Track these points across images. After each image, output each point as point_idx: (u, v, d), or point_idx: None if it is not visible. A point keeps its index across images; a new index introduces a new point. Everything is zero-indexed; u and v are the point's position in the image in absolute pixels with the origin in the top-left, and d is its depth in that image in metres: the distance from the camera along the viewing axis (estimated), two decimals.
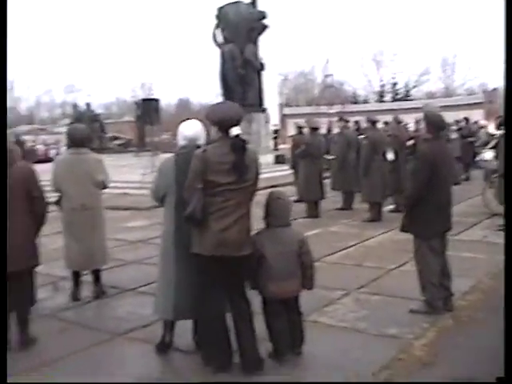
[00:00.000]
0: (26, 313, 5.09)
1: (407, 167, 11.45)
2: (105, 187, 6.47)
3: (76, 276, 6.45)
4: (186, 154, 4.56)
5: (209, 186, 4.13)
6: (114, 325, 5.49)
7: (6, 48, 4.76)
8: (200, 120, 4.92)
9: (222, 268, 4.26)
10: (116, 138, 41.01)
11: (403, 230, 5.66)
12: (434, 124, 5.44)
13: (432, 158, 5.30)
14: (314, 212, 11.55)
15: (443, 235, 5.58)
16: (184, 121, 4.89)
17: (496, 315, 5.33)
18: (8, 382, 3.66)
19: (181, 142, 4.71)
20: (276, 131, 37.39)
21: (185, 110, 61.76)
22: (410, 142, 11.89)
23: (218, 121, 4.26)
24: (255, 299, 4.51)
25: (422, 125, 5.63)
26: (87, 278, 6.55)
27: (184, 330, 4.83)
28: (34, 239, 5.12)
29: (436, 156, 5.32)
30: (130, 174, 17.24)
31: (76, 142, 6.39)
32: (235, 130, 4.23)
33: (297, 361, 4.50)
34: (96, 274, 6.50)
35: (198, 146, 4.58)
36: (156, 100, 20.87)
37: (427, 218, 5.35)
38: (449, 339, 4.89)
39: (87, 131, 6.96)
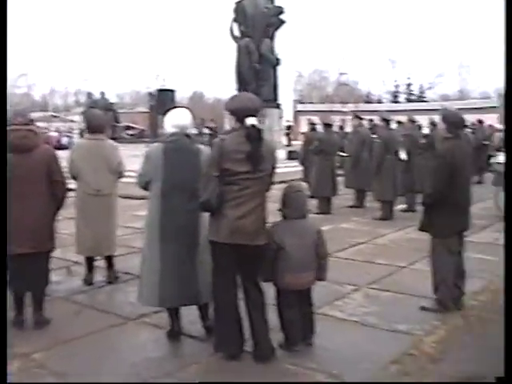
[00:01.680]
0: (41, 294, 5.17)
1: (423, 166, 11.51)
2: (121, 174, 6.52)
3: (89, 261, 6.52)
4: (174, 141, 4.63)
5: (225, 174, 4.18)
6: (127, 309, 5.56)
7: (6, 47, 4.78)
8: (187, 108, 4.98)
9: (237, 256, 4.30)
10: (129, 128, 41.12)
11: (422, 229, 5.67)
12: (454, 123, 5.47)
13: (452, 157, 5.31)
14: (325, 208, 11.59)
15: (460, 235, 5.61)
16: (171, 109, 4.92)
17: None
18: (8, 382, 3.69)
19: (169, 129, 4.72)
20: (289, 127, 37.42)
21: (199, 103, 61.95)
22: (422, 141, 11.90)
23: (235, 110, 4.31)
24: (268, 290, 4.56)
25: (442, 125, 5.61)
26: (100, 263, 6.62)
27: (197, 317, 4.90)
28: (52, 222, 5.19)
29: (456, 155, 5.34)
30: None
31: (94, 127, 6.44)
32: (251, 120, 4.24)
33: (308, 352, 4.54)
34: (109, 260, 6.56)
35: (187, 135, 4.67)
36: (172, 91, 21.01)
37: (446, 218, 5.36)
38: (458, 337, 4.92)
39: (105, 118, 7.03)
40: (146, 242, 4.74)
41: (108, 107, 36.22)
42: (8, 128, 5.15)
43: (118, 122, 37.94)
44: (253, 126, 4.22)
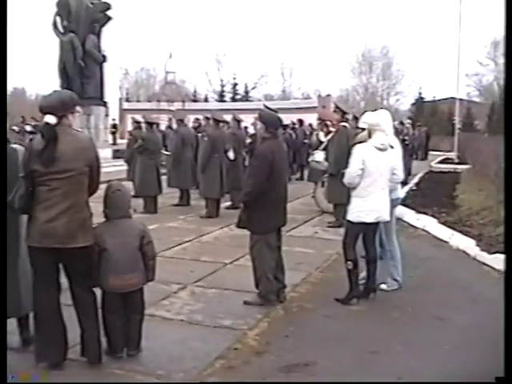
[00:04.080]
0: None
1: (246, 165, 11.83)
2: None
3: None
4: None
5: (34, 175, 4.02)
6: None
7: (6, 47, 4.54)
8: None
9: (54, 260, 4.16)
10: None
11: (240, 225, 5.82)
12: (271, 123, 5.67)
13: (271, 157, 5.50)
14: (151, 207, 11.49)
15: (278, 230, 5.84)
16: None
17: (323, 304, 5.73)
18: (8, 382, 3.50)
19: None
20: (115, 126, 36.76)
21: (20, 100, 58.81)
22: (248, 141, 12.24)
23: (39, 109, 4.18)
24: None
25: (259, 125, 5.80)
26: None
27: (15, 327, 4.64)
28: None
29: (274, 154, 5.53)
30: None
31: None
32: (46, 118, 4.08)
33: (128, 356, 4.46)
34: None
35: None
36: None
37: (264, 214, 5.54)
38: (280, 328, 5.13)
39: None
40: None
41: None
42: None
43: None
44: (46, 123, 4.07)
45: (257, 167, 5.60)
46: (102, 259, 4.31)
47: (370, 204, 5.68)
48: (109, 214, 4.42)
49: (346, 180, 5.84)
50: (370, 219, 5.72)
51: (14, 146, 4.48)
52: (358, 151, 5.75)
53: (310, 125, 21.81)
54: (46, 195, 4.04)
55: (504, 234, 4.40)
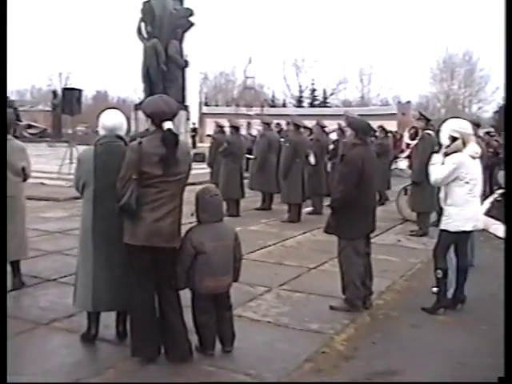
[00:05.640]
0: None
1: (331, 171, 11.87)
2: (26, 176, 6.30)
3: None
4: (105, 144, 4.59)
5: (143, 177, 4.18)
6: (37, 314, 5.40)
7: (6, 48, 4.79)
8: (120, 110, 4.96)
9: (153, 258, 4.32)
10: (30, 127, 39.58)
11: (328, 231, 5.86)
12: (361, 130, 5.69)
13: (361, 163, 5.52)
14: (234, 211, 11.67)
15: (367, 237, 5.84)
16: (104, 110, 4.90)
17: (409, 313, 5.69)
18: (8, 382, 3.62)
19: (101, 131, 4.71)
20: (194, 129, 37.44)
21: (102, 102, 60.67)
22: (331, 147, 12.25)
23: (151, 113, 4.34)
24: (182, 292, 4.56)
25: (349, 131, 5.82)
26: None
27: (112, 321, 4.83)
28: None
29: (364, 160, 5.56)
30: (46, 164, 16.86)
31: None
32: (167, 124, 4.27)
33: (224, 352, 4.59)
34: (15, 265, 6.29)
35: (119, 137, 4.65)
36: (79, 90, 20.27)
37: (353, 220, 5.56)
38: (367, 335, 5.14)
39: (13, 116, 6.75)
40: (80, 245, 4.69)
41: (8, 104, 34.66)
42: None
43: (19, 121, 36.48)
44: (169, 130, 4.25)
45: (346, 173, 5.62)
46: (199, 262, 4.41)
47: (468, 212, 5.61)
48: (206, 218, 4.50)
49: (440, 176, 5.68)
50: (468, 227, 5.64)
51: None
52: (457, 159, 5.61)
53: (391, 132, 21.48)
54: (154, 196, 4.21)
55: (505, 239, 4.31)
